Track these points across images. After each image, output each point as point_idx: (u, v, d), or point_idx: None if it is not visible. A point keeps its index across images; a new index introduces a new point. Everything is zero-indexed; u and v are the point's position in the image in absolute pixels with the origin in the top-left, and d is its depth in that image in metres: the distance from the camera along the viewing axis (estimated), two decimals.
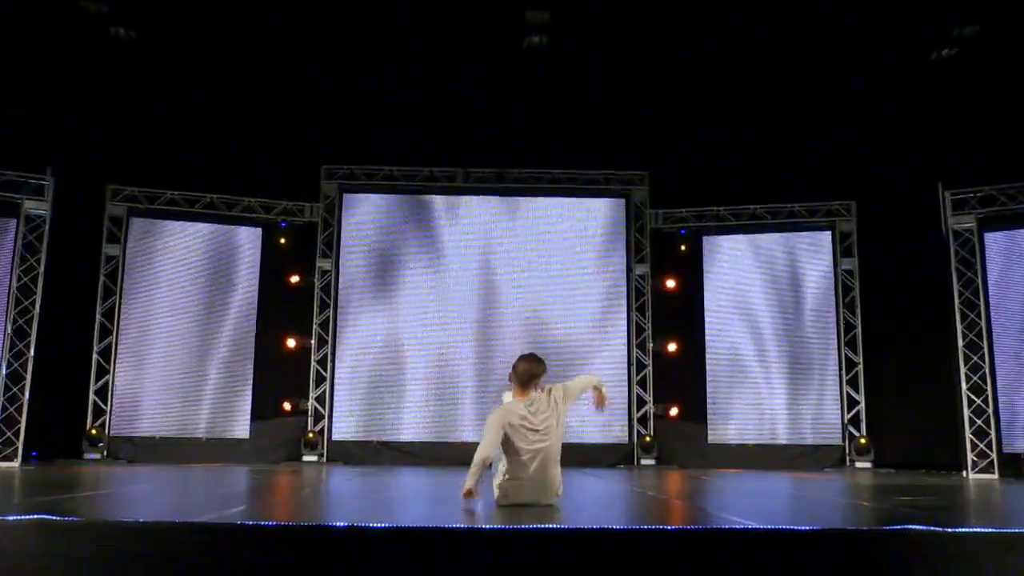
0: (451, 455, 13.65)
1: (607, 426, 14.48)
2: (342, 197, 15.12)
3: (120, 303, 14.11)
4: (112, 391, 13.92)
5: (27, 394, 12.40)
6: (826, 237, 14.80)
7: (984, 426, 12.67)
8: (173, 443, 13.88)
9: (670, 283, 14.99)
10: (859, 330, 14.39)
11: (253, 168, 14.51)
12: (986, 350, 12.83)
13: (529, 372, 5.38)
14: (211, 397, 14.23)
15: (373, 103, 14.23)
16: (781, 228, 14.93)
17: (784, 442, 14.34)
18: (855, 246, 14.60)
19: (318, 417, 14.50)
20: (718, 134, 14.42)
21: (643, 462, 14.24)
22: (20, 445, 12.26)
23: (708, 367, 14.70)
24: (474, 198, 15.19)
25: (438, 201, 15.16)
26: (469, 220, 15.06)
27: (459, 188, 15.16)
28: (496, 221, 15.08)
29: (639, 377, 14.73)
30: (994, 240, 13.17)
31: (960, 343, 13.01)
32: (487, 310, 14.77)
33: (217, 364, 14.33)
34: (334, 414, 14.49)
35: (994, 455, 12.57)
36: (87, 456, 13.38)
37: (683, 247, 15.07)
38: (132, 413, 13.96)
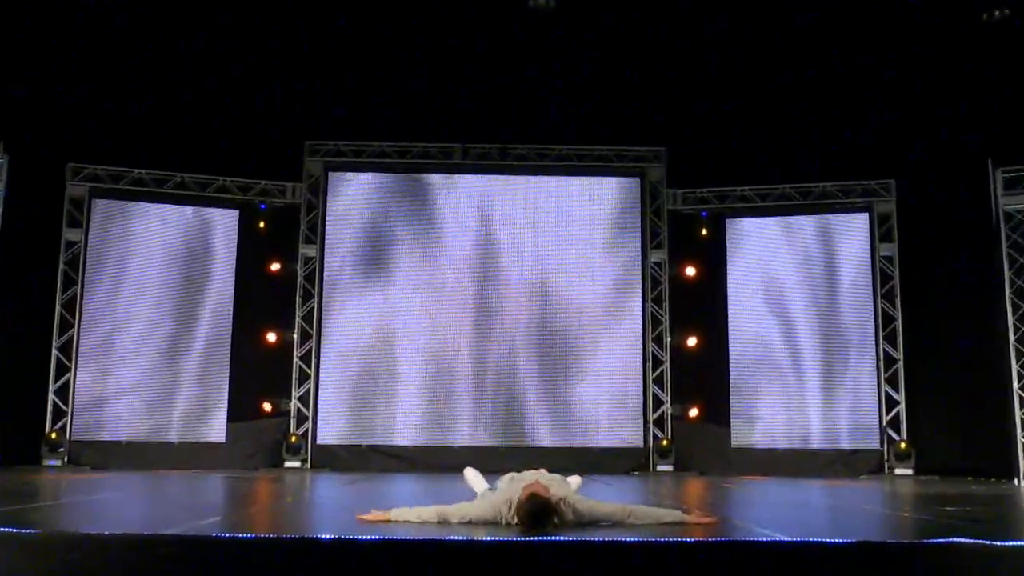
0: (448, 460, 13.67)
1: (619, 429, 14.49)
2: (327, 176, 15.09)
3: (82, 294, 14.11)
4: (73, 391, 13.93)
5: None
6: (862, 220, 14.76)
7: None
8: (141, 448, 13.90)
9: (689, 270, 14.97)
10: (899, 323, 14.36)
11: (229, 144, 14.48)
12: None
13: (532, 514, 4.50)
14: (183, 397, 14.24)
15: (361, 72, 14.19)
16: (813, 210, 14.88)
17: (816, 446, 14.34)
18: (894, 230, 14.57)
19: (301, 419, 14.51)
20: (743, 106, 14.38)
21: (659, 468, 14.24)
22: None
23: (732, 363, 14.68)
24: (473, 177, 15.16)
25: (434, 180, 15.13)
26: (468, 201, 15.03)
27: (457, 166, 15.13)
28: (497, 202, 15.05)
29: (655, 374, 14.72)
30: None
31: (1012, 337, 12.98)
32: (487, 301, 14.76)
33: (190, 361, 14.34)
34: (319, 415, 14.51)
35: None
36: (46, 463, 13.41)
37: (704, 231, 15.04)
38: (96, 415, 13.98)
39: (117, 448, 13.87)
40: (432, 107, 14.64)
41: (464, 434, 14.30)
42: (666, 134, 14.97)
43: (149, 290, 14.37)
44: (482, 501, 4.88)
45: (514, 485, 4.76)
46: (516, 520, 4.58)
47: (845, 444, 14.31)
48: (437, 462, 13.88)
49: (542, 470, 5.08)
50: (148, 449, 13.92)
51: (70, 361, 13.98)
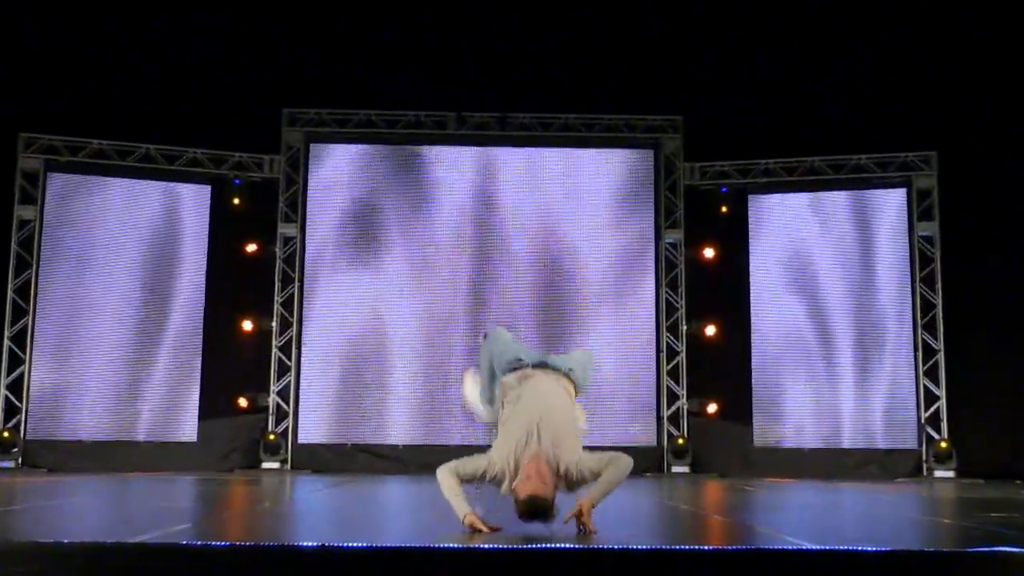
0: (443, 461, 13.67)
1: (630, 426, 14.51)
2: (308, 148, 15.07)
3: (37, 278, 14.11)
4: (28, 386, 13.95)
5: None
6: (900, 196, 14.74)
7: None
8: (104, 448, 13.92)
9: (708, 252, 14.96)
10: (939, 310, 14.36)
11: (199, 112, 14.46)
12: None
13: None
14: (150, 392, 14.26)
15: (345, 32, 14.13)
16: (845, 185, 14.86)
17: (847, 446, 14.36)
18: (936, 207, 14.55)
19: (280, 415, 14.53)
20: (767, 70, 14.33)
21: (675, 470, 14.28)
22: None
23: (754, 354, 14.70)
24: (470, 148, 15.13)
25: (426, 152, 15.11)
26: (464, 176, 15.01)
27: (452, 137, 15.10)
28: (496, 177, 15.03)
29: (670, 366, 14.74)
30: None
31: None
32: (485, 286, 14.76)
33: (157, 352, 14.35)
34: (300, 412, 14.53)
35: None
36: None
37: (724, 208, 15.03)
38: (53, 412, 14.00)
39: (77, 448, 13.89)
40: (424, 71, 14.59)
41: (460, 432, 14.31)
42: (683, 102, 14.94)
43: (111, 274, 14.36)
44: (481, 460, 4.91)
45: (521, 429, 4.76)
46: (514, 498, 4.68)
47: (880, 444, 14.33)
48: (430, 462, 13.85)
49: (553, 383, 5.12)
50: (111, 449, 13.93)
51: (24, 353, 13.98)
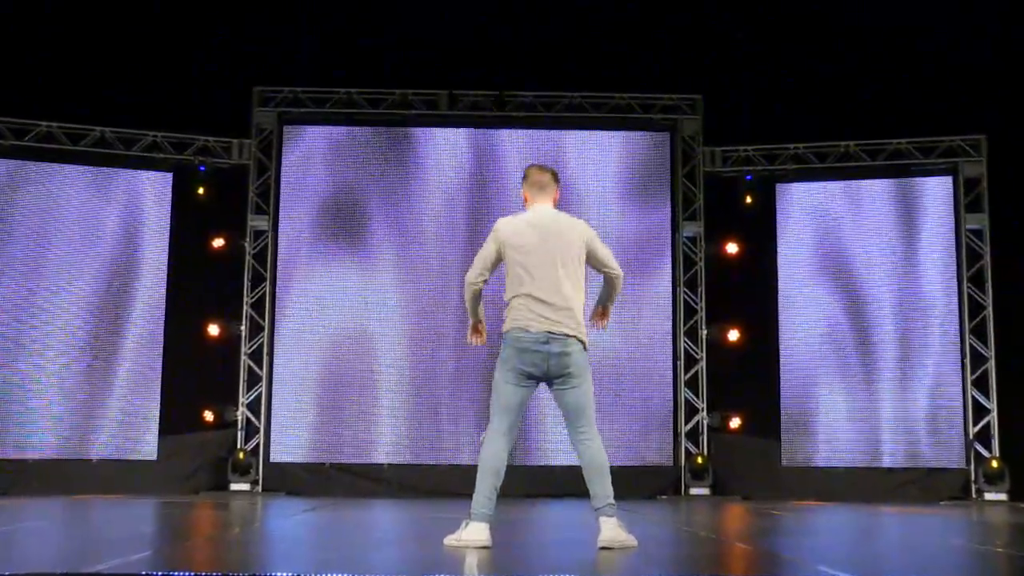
0: (433, 483, 13.71)
1: (643, 443, 14.50)
2: (282, 131, 15.05)
3: None
4: None
5: None
6: (945, 185, 14.74)
7: None
8: (53, 468, 13.88)
9: (731, 247, 14.95)
10: (990, 312, 14.35)
11: (160, 91, 14.42)
12: None
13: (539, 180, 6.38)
14: (105, 405, 14.23)
15: (322, 1, 14.11)
16: (884, 173, 14.84)
17: (887, 465, 14.35)
18: (985, 198, 14.54)
19: (251, 431, 14.52)
20: (795, 44, 14.32)
21: (693, 491, 14.27)
22: None
23: (783, 362, 14.70)
24: (464, 131, 15.13)
25: (415, 135, 15.10)
26: (457, 161, 15.00)
27: (444, 117, 15.09)
28: (494, 163, 15.02)
29: (688, 376, 14.73)
30: None
31: None
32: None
33: (113, 360, 14.31)
34: (272, 427, 14.52)
35: None
36: None
37: (749, 198, 15.02)
38: None
39: (23, 468, 13.84)
40: (412, 44, 14.57)
41: (453, 450, 14.30)
42: (702, 79, 14.91)
43: (61, 273, 14.32)
44: None
45: None
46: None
47: (923, 462, 14.31)
48: (419, 485, 13.89)
49: None
50: (62, 469, 13.90)
51: None
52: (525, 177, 6.34)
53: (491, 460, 5.93)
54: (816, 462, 14.53)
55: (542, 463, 14.31)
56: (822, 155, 15.05)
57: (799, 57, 14.38)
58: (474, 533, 5.75)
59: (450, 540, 5.77)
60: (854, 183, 14.96)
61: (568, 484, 14.12)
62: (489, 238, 6.11)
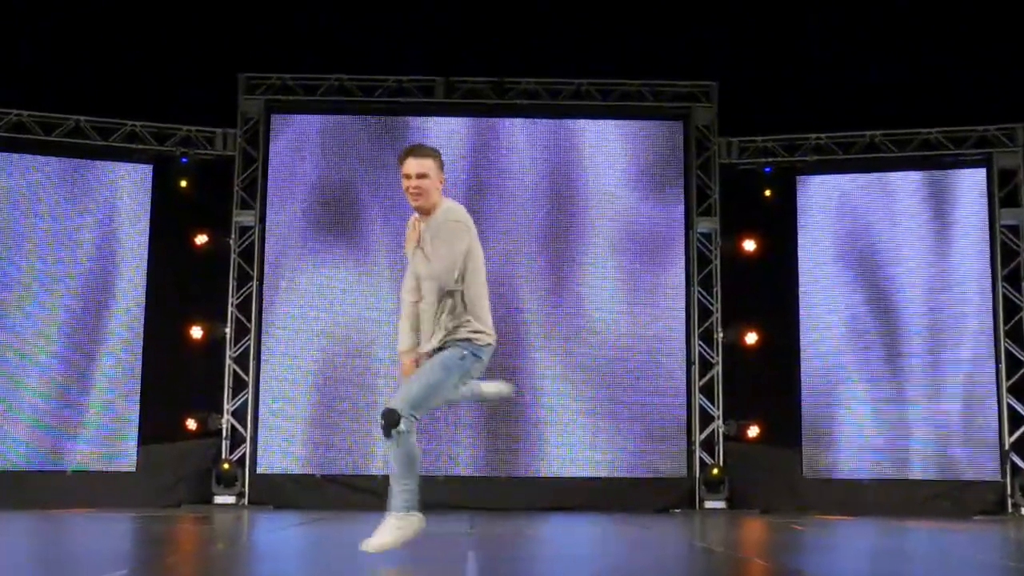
0: (434, 494, 13.60)
1: (655, 453, 14.49)
2: (270, 120, 15.05)
3: None
4: None
5: None
6: (979, 177, 14.72)
7: None
8: (23, 479, 13.86)
9: (748, 244, 14.94)
10: None
11: (138, 78, 14.43)
12: None
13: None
14: (81, 413, 14.22)
15: None
16: (912, 164, 14.82)
17: (916, 476, 14.33)
18: (1021, 191, 14.54)
19: (236, 440, 14.51)
20: (817, 27, 14.30)
21: (708, 505, 14.28)
22: None
23: (803, 367, 14.68)
24: (462, 120, 15.13)
25: (411, 124, 15.09)
26: (455, 152, 14.97)
27: (441, 105, 15.09)
28: (494, 153, 15.02)
29: (703, 381, 14.72)
30: None
31: None
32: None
33: (89, 364, 14.31)
34: (259, 435, 14.51)
35: None
36: None
37: (767, 192, 15.01)
38: None
39: None
40: (407, 27, 14.57)
41: (451, 460, 14.28)
42: (717, 64, 14.91)
43: (33, 270, 14.32)
44: None
45: None
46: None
47: (955, 474, 14.29)
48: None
49: None
50: (32, 481, 13.89)
51: None
52: (441, 164, 6.24)
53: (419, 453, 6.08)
54: (839, 473, 14.51)
55: (548, 474, 14.31)
56: (845, 145, 15.03)
57: (820, 41, 14.37)
58: (416, 524, 5.90)
59: (385, 540, 5.83)
60: (880, 175, 14.94)
61: (575, 497, 14.20)
62: (464, 232, 6.01)
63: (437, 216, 6.03)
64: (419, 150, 6.08)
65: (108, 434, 14.31)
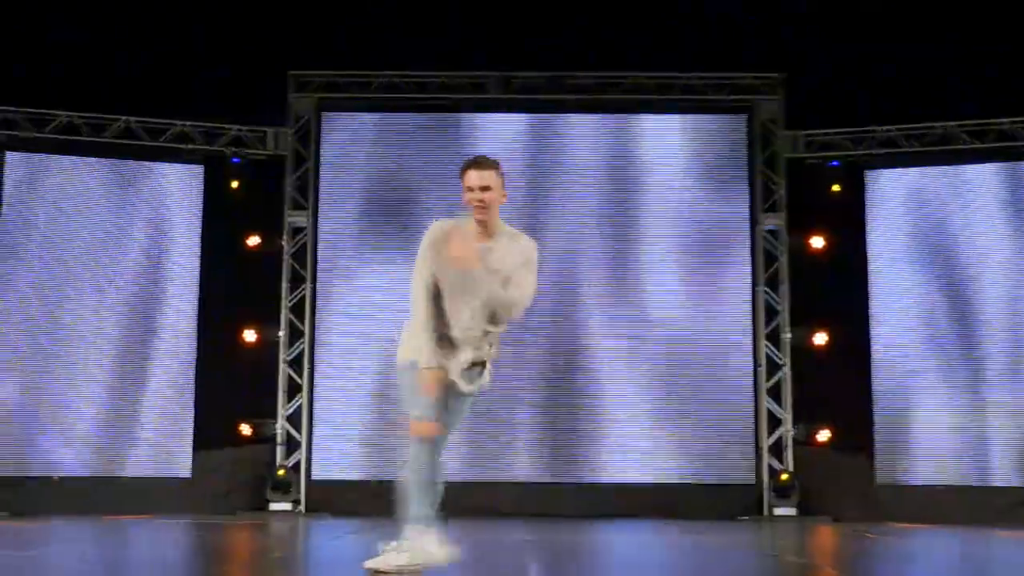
0: (499, 500, 13.69)
1: (721, 458, 14.41)
2: (321, 118, 15.12)
3: None
4: None
5: None
6: None
7: None
8: (79, 487, 14.01)
9: (816, 241, 14.81)
10: None
11: (189, 77, 14.53)
12: None
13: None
14: (135, 419, 14.34)
15: None
16: (990, 156, 14.58)
17: (997, 483, 14.12)
18: None
19: (291, 446, 14.58)
20: (885, 14, 14.14)
21: (777, 512, 14.15)
22: None
23: (876, 368, 14.52)
24: (517, 116, 15.11)
25: (464, 121, 15.10)
26: (510, 149, 14.94)
27: (495, 102, 15.08)
28: (550, 150, 15.00)
29: (770, 384, 14.61)
30: None
31: None
32: (540, 282, 14.66)
33: (142, 370, 14.42)
34: (315, 441, 14.58)
35: None
36: None
37: (836, 186, 14.89)
38: (17, 444, 14.10)
39: (47, 487, 14.00)
40: (460, 22, 14.56)
41: (510, 465, 14.27)
42: (782, 56, 14.78)
43: (84, 275, 14.45)
44: None
45: None
46: None
47: None
48: (476, 504, 13.84)
49: None
50: (89, 488, 14.02)
51: None
52: (503, 178, 6.15)
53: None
54: (915, 480, 14.33)
55: (609, 480, 14.28)
56: (918, 136, 14.83)
57: (889, 29, 14.21)
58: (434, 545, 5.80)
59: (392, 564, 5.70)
60: (956, 168, 14.71)
61: (638, 503, 14.13)
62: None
63: (521, 242, 6.00)
64: (483, 162, 6.00)
65: (162, 440, 14.40)
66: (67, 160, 14.65)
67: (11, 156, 14.50)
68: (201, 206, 14.85)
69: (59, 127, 14.60)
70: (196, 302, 14.65)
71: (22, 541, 8.44)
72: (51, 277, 14.39)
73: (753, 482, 14.39)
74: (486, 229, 5.95)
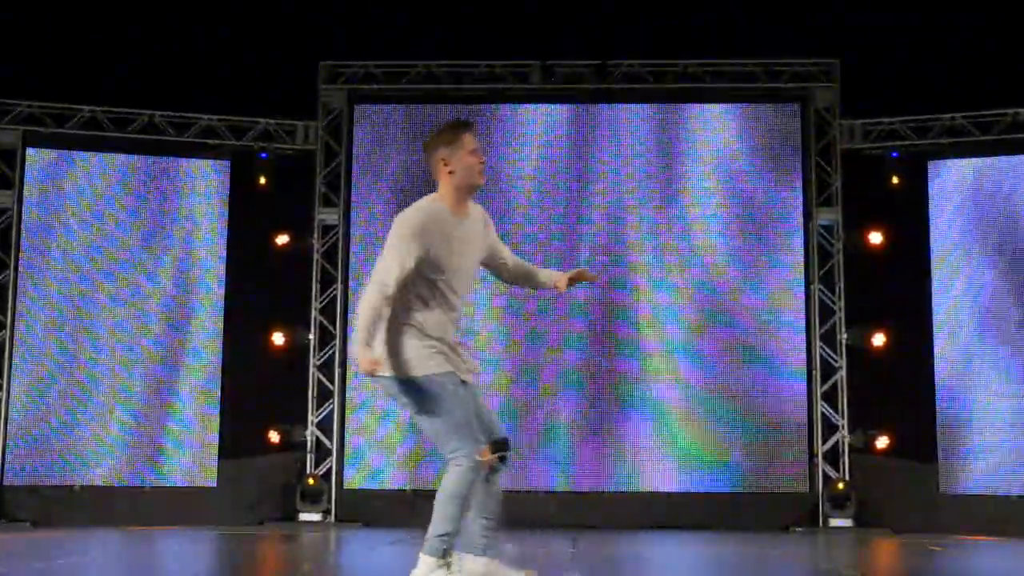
0: (528, 511, 13.67)
1: (774, 466, 14.35)
2: (353, 110, 15.17)
3: (14, 280, 14.39)
4: (5, 418, 14.21)
5: None
6: None
7: None
8: (101, 496, 14.14)
9: (875, 237, 14.73)
10: None
11: (215, 69, 14.61)
12: None
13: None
14: (159, 425, 14.45)
15: None
16: None
17: None
18: None
19: (322, 454, 14.64)
20: None
21: (833, 523, 14.08)
22: None
23: (938, 371, 14.43)
24: (560, 107, 15.12)
25: (504, 113, 15.12)
26: (553, 141, 14.98)
27: (537, 92, 15.09)
28: (595, 142, 14.99)
29: (825, 387, 14.54)
30: None
31: None
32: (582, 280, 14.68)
33: (167, 374, 14.54)
34: (346, 448, 14.64)
35: None
36: None
37: (896, 179, 14.80)
38: (37, 451, 14.24)
39: (67, 496, 14.13)
40: (499, 9, 14.58)
41: (551, 474, 14.27)
42: (839, 41, 14.73)
43: (107, 274, 14.58)
44: None
45: None
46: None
47: None
48: (519, 514, 13.83)
49: None
50: (111, 497, 14.16)
51: (0, 376, 14.27)
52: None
53: None
54: (980, 489, 14.21)
55: (657, 489, 14.26)
56: (984, 126, 14.72)
57: (953, 10, 14.12)
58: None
59: None
60: None
61: (686, 513, 14.10)
62: None
63: (476, 206, 5.69)
64: (473, 124, 5.58)
65: (188, 448, 14.50)
66: (90, 155, 14.75)
67: (33, 152, 14.61)
68: (228, 203, 14.92)
69: (81, 122, 14.71)
70: (222, 303, 14.73)
71: (43, 552, 8.51)
72: (71, 277, 14.50)
73: (807, 491, 14.33)
74: (467, 202, 5.61)
